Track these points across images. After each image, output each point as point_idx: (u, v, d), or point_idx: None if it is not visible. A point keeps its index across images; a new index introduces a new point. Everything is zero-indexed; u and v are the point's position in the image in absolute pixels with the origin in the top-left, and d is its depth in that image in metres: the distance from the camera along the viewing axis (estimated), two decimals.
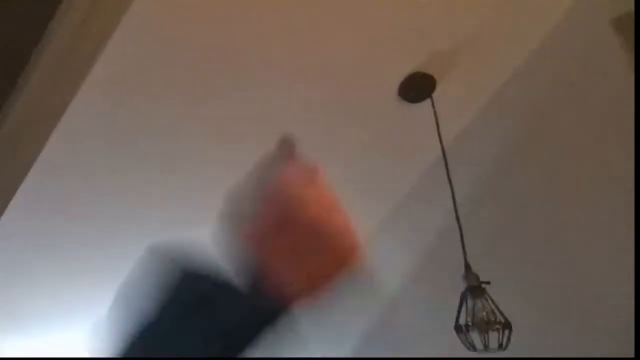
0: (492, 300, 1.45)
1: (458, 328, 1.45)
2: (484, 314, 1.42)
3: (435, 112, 1.80)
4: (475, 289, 1.47)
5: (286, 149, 0.61)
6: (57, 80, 1.59)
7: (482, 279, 1.52)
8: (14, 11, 1.50)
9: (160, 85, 1.59)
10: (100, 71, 1.46)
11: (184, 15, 1.46)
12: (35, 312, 2.05)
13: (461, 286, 1.51)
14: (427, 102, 1.84)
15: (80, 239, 1.88)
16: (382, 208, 2.26)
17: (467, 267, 1.53)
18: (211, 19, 1.50)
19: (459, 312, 1.46)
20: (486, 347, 1.40)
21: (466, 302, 1.46)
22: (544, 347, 1.88)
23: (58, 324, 2.13)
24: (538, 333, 1.83)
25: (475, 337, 1.42)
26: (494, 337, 1.41)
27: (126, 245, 1.94)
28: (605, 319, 1.82)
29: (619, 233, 1.79)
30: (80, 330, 2.10)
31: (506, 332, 1.40)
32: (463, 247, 1.55)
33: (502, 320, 1.41)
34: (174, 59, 1.54)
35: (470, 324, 1.42)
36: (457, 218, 1.59)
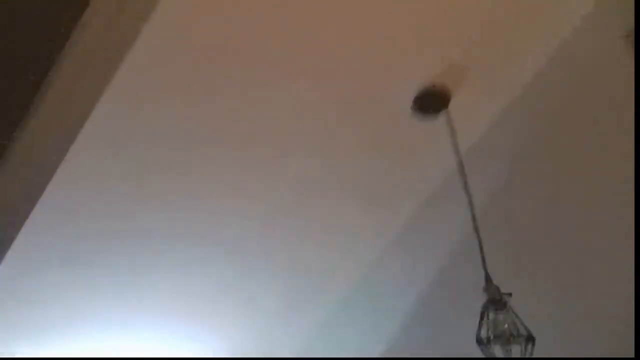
0: (514, 312, 1.44)
1: (480, 340, 1.43)
2: (506, 326, 1.40)
3: (451, 125, 1.77)
4: (496, 301, 1.45)
5: None
6: (77, 86, 1.58)
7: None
8: (31, 17, 1.51)
9: (159, 86, 1.58)
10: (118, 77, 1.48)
11: (184, 15, 1.46)
12: (51, 322, 2.05)
13: (479, 299, 1.49)
14: (442, 114, 1.81)
15: (94, 247, 1.88)
16: (396, 219, 2.22)
17: (488, 279, 1.50)
18: (211, 19, 1.50)
19: (480, 324, 1.44)
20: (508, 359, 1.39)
21: (487, 315, 1.44)
22: (544, 347, 1.88)
23: (73, 332, 2.11)
24: (538, 334, 1.83)
25: (496, 348, 1.41)
26: (516, 349, 1.40)
27: (132, 255, 1.95)
28: (605, 319, 1.82)
29: (619, 233, 1.79)
30: (96, 337, 2.10)
31: (529, 346, 1.39)
32: (483, 258, 1.52)
33: (525, 334, 1.40)
34: (173, 59, 1.53)
35: (492, 337, 1.40)
36: (477, 230, 1.56)
